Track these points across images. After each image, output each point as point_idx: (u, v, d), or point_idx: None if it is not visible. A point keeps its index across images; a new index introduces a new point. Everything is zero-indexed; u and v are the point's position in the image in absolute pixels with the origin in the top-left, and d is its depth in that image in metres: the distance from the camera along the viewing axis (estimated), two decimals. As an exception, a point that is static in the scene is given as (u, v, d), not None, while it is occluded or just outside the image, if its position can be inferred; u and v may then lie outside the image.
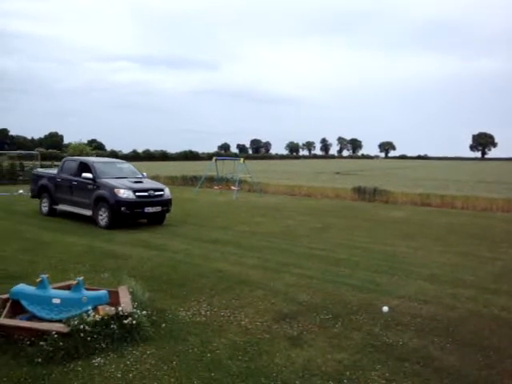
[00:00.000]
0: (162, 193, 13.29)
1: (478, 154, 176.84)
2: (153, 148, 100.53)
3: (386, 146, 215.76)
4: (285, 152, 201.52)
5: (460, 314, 6.25)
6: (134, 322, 5.02)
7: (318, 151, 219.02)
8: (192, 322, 5.61)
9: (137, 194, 12.65)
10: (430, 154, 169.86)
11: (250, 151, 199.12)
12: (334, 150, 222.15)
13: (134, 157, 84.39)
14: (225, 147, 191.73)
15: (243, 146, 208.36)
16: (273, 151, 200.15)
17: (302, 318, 5.86)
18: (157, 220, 13.48)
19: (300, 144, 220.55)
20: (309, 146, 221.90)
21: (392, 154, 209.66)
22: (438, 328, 5.68)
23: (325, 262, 8.96)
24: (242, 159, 24.63)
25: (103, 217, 12.61)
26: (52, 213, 14.60)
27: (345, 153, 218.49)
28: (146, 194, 12.88)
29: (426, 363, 4.73)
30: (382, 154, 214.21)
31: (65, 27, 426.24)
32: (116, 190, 12.50)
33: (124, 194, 12.46)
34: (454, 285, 7.62)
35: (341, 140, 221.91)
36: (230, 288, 7.04)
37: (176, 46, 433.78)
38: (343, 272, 8.25)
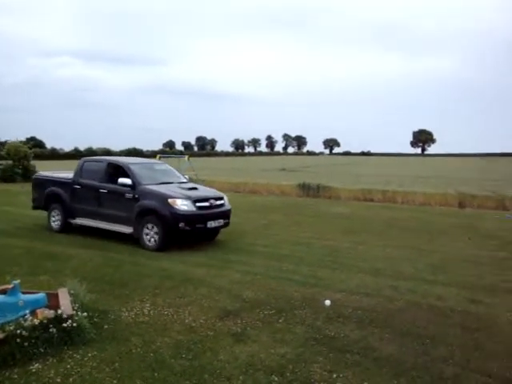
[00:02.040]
0: (222, 202, 10.58)
1: (418, 150, 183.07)
2: (96, 146, 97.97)
3: (331, 143, 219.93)
4: (230, 149, 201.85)
5: (399, 305, 6.48)
6: (75, 324, 4.89)
7: (263, 148, 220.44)
8: (135, 322, 5.54)
9: (197, 204, 9.85)
10: (373, 151, 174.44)
11: (196, 148, 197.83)
12: (279, 147, 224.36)
13: (75, 155, 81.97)
14: (170, 145, 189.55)
15: (188, 143, 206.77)
16: (218, 148, 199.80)
17: (245, 315, 5.90)
18: (211, 236, 10.93)
19: (245, 141, 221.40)
20: (254, 143, 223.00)
21: (336, 150, 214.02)
22: (377, 319, 5.86)
23: (269, 258, 9.05)
24: (187, 157, 24.50)
25: (151, 235, 9.69)
26: (66, 228, 11.40)
27: (290, 150, 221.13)
28: (207, 204, 10.04)
29: (365, 353, 4.87)
30: (327, 151, 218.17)
31: (4, 19, 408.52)
32: (171, 199, 9.61)
33: (182, 205, 9.61)
34: (395, 277, 7.88)
35: (286, 137, 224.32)
36: (175, 287, 6.99)
37: (121, 42, 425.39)
38: (287, 268, 8.36)
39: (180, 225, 9.47)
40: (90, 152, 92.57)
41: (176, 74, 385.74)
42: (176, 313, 5.90)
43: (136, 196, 10.03)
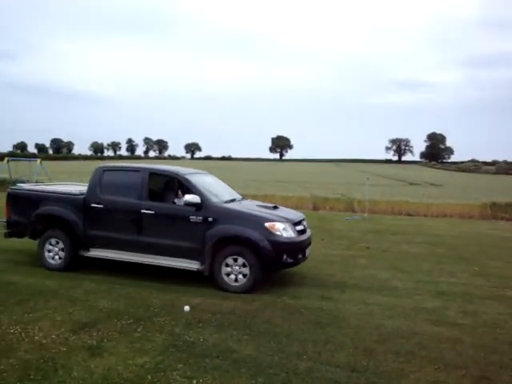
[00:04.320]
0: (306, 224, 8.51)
1: (277, 156, 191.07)
2: None
3: (192, 147, 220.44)
4: (89, 152, 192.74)
5: (257, 306, 6.67)
6: None
7: (123, 152, 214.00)
8: (-25, 345, 5.02)
9: (296, 228, 7.85)
10: (234, 155, 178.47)
11: (51, 151, 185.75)
12: (140, 151, 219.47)
13: None
14: (21, 146, 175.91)
15: (43, 145, 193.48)
16: (76, 151, 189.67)
17: (101, 326, 5.64)
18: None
19: (105, 144, 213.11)
20: (114, 146, 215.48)
21: (198, 154, 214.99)
22: (236, 322, 5.98)
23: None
24: (39, 160, 22.91)
25: (236, 272, 7.44)
26: (74, 265, 8.42)
27: (151, 154, 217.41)
28: (302, 227, 8.06)
29: (225, 356, 4.94)
30: (189, 155, 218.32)
31: None
32: (268, 223, 7.46)
33: (283, 230, 7.52)
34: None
35: (147, 141, 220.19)
36: (23, 301, 6.45)
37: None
38: (145, 275, 8.18)
39: (284, 257, 7.45)
40: None
41: (29, 70, 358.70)
42: (24, 330, 5.44)
43: (209, 219, 7.59)
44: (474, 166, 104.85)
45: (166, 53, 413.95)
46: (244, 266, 7.39)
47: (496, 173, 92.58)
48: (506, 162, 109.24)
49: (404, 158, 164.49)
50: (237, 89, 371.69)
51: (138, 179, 8.17)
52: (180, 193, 8.42)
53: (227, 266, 7.46)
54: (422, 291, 7.80)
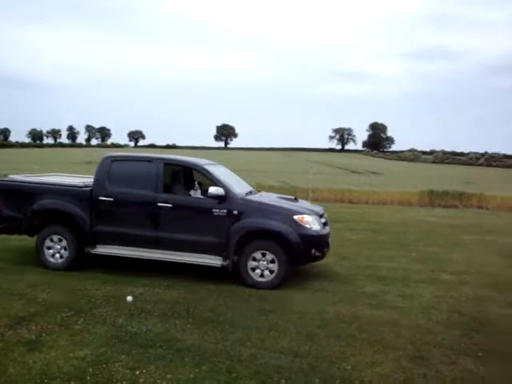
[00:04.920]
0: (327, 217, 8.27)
1: (222, 144, 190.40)
2: None
3: (136, 135, 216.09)
4: (27, 140, 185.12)
5: (201, 294, 6.68)
6: None
7: (64, 139, 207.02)
8: None
9: (321, 220, 7.74)
10: (179, 143, 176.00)
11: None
12: (81, 139, 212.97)
13: None
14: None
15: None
16: (12, 139, 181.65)
17: (40, 319, 5.46)
18: None
19: (44, 131, 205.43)
20: (54, 133, 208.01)
21: (142, 142, 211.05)
22: (180, 311, 5.95)
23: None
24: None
25: (263, 267, 7.17)
26: (78, 263, 7.83)
27: (94, 141, 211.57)
28: (325, 220, 7.93)
29: (168, 346, 4.91)
30: (132, 143, 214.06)
31: None
32: (298, 216, 7.28)
33: (312, 223, 7.37)
34: (195, 268, 8.03)
35: (89, 128, 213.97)
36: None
37: None
38: (87, 266, 7.99)
39: (312, 252, 7.29)
40: None
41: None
42: (-45, 327, 5.20)
43: (234, 212, 7.24)
44: (413, 156, 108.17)
45: (111, 39, 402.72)
46: (272, 261, 7.14)
47: (434, 162, 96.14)
48: (443, 152, 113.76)
49: (347, 147, 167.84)
50: (183, 75, 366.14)
51: (151, 170, 7.63)
52: (196, 184, 7.99)
53: (254, 260, 7.19)
54: (362, 276, 8.04)
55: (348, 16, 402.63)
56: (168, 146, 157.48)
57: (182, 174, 8.46)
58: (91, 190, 7.73)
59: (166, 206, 7.38)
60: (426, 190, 21.40)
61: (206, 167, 7.83)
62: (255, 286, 7.10)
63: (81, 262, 7.85)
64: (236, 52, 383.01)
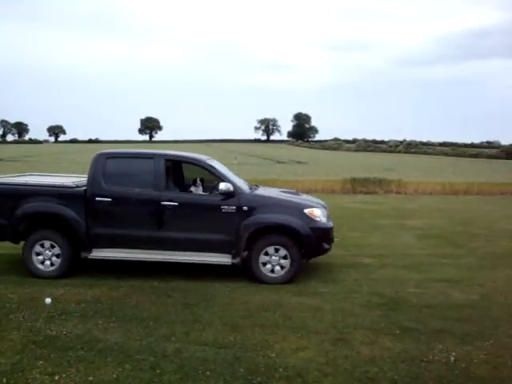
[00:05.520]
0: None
1: (147, 137, 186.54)
2: None
3: (56, 130, 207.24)
4: None
5: (123, 291, 6.53)
6: None
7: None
8: None
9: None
10: (102, 138, 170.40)
11: None
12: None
13: None
14: None
15: None
16: None
17: None
18: None
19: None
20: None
21: (62, 138, 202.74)
22: (102, 310, 5.79)
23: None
24: None
25: (275, 263, 7.06)
26: (72, 269, 7.26)
27: (10, 137, 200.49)
28: (328, 213, 7.92)
29: (90, 347, 4.76)
30: (52, 139, 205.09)
31: None
32: (308, 210, 7.23)
33: (321, 216, 7.33)
34: (118, 265, 7.81)
35: (4, 123, 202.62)
36: None
37: None
38: (2, 267, 7.59)
39: (323, 245, 7.30)
40: None
41: None
42: None
43: (244, 208, 7.01)
44: (336, 144, 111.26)
45: (24, 28, 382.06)
46: (285, 257, 7.05)
47: (356, 150, 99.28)
48: (364, 140, 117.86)
49: (272, 138, 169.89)
50: (105, 68, 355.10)
51: (151, 167, 7.23)
52: (199, 181, 7.76)
53: (265, 255, 7.06)
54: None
55: (270, 8, 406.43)
56: (91, 141, 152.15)
57: (182, 170, 8.29)
58: (85, 190, 7.22)
59: (170, 205, 7.07)
60: (348, 178, 22.11)
61: (210, 162, 7.63)
62: (268, 282, 7.00)
63: (75, 267, 7.36)
64: (160, 44, 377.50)
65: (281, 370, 4.35)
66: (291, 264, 7.04)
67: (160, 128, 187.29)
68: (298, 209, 7.23)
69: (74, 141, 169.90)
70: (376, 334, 5.23)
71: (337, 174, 27.46)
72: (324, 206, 7.77)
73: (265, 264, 7.09)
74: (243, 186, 7.50)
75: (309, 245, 7.13)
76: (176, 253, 7.16)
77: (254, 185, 8.38)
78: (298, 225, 7.03)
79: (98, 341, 4.91)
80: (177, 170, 8.23)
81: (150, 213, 7.19)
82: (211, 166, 7.49)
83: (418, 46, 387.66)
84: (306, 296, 6.51)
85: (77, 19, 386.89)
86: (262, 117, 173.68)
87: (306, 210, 7.20)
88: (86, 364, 4.41)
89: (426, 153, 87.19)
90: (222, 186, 7.00)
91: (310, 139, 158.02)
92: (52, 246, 7.12)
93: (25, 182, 7.62)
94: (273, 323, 5.47)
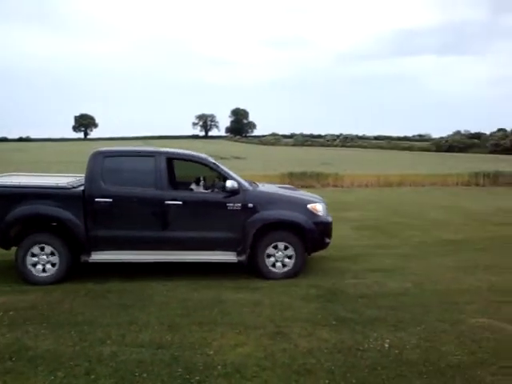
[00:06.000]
0: None
1: (81, 135, 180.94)
2: None
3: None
4: None
5: (57, 296, 6.27)
6: None
7: None
8: None
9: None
10: (34, 136, 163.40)
11: None
12: None
13: None
14: None
15: None
16: None
17: None
18: None
19: None
20: None
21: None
22: (33, 316, 5.52)
23: None
24: None
25: (280, 258, 7.20)
26: (70, 274, 6.98)
27: None
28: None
29: (19, 356, 4.53)
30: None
31: None
32: (311, 205, 7.38)
33: (323, 211, 7.49)
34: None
35: None
36: None
37: None
38: None
39: (326, 240, 7.46)
40: None
41: None
42: None
43: (249, 205, 7.03)
44: (274, 139, 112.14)
45: None
46: (290, 253, 7.20)
47: (294, 145, 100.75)
48: (302, 135, 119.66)
49: (211, 133, 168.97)
50: (35, 63, 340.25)
51: (152, 165, 7.06)
52: (202, 179, 7.66)
53: (270, 252, 7.17)
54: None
55: (212, 6, 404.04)
56: (21, 139, 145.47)
57: (184, 169, 8.22)
58: (83, 190, 6.93)
59: (175, 204, 6.96)
60: (286, 173, 22.36)
61: (212, 160, 7.63)
62: (274, 277, 7.11)
63: (73, 272, 7.09)
64: (95, 39, 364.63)
65: (219, 367, 4.32)
66: (296, 259, 7.20)
67: (95, 125, 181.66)
68: (301, 204, 7.40)
69: (3, 139, 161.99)
70: (313, 325, 5.30)
71: (275, 168, 27.71)
72: (323, 201, 7.90)
73: (270, 260, 7.20)
74: (246, 183, 7.51)
75: (312, 239, 7.29)
76: (180, 252, 7.14)
77: (252, 182, 8.38)
78: (303, 220, 7.19)
79: (27, 349, 4.68)
80: (178, 168, 8.21)
81: (153, 213, 7.08)
82: (215, 163, 7.48)
83: (355, 43, 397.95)
84: (245, 292, 6.51)
85: (12, 10, 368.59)
86: (200, 112, 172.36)
87: (309, 206, 7.37)
88: (14, 375, 4.19)
89: (362, 146, 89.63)
90: (229, 183, 7.03)
91: (248, 135, 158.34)
92: (50, 252, 6.84)
93: (12, 184, 7.13)
94: (211, 320, 5.42)
